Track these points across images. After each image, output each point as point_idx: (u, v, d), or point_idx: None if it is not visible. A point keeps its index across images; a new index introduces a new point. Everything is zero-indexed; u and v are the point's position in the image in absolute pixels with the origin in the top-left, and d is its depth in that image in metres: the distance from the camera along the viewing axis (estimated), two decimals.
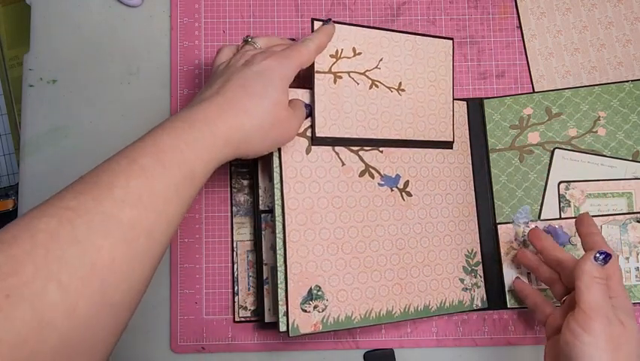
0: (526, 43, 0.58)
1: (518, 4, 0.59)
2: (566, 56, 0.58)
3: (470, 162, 0.56)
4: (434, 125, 0.53)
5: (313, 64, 0.48)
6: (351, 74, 0.50)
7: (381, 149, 0.52)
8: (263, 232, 0.52)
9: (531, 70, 0.58)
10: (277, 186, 0.48)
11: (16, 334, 0.26)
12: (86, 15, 0.58)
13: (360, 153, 0.51)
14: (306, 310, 0.47)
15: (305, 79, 0.52)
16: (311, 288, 0.47)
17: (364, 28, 0.51)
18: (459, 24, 0.59)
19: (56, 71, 0.57)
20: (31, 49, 0.57)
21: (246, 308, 0.53)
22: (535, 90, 0.57)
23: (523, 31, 0.58)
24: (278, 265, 0.47)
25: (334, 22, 0.49)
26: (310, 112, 0.49)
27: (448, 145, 0.54)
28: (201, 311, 0.54)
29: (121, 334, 0.32)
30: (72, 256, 0.29)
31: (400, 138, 0.52)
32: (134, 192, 0.32)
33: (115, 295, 0.30)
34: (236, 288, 0.54)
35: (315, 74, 0.49)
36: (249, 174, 0.55)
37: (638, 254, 0.53)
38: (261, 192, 0.52)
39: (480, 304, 0.53)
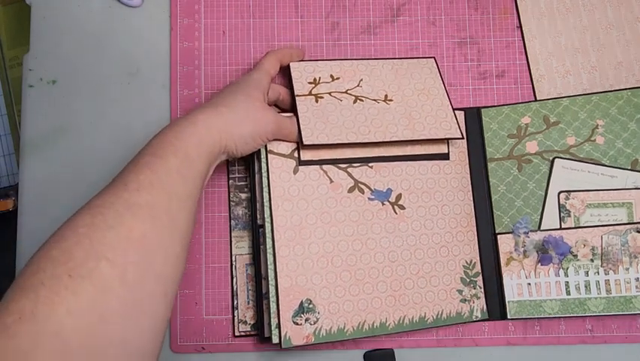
0: (526, 43, 0.58)
1: (518, 5, 0.59)
2: (566, 57, 0.58)
3: (468, 171, 0.55)
4: (434, 125, 0.53)
5: (293, 93, 0.51)
6: (332, 93, 0.52)
7: (371, 164, 0.52)
8: (261, 246, 0.51)
9: (531, 70, 0.58)
10: (266, 204, 0.49)
11: (84, 302, 0.32)
12: (86, 15, 0.58)
13: (349, 169, 0.51)
14: (297, 323, 0.48)
15: (289, 107, 0.53)
16: (302, 301, 0.48)
17: (339, 61, 0.54)
18: (459, 24, 0.59)
19: (56, 71, 0.57)
20: (31, 49, 0.57)
21: (245, 323, 0.53)
22: (536, 91, 0.57)
23: (524, 32, 0.58)
24: (269, 279, 0.48)
25: (309, 60, 0.55)
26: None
27: (445, 154, 0.54)
28: (201, 311, 0.54)
29: (171, 304, 0.38)
30: (111, 238, 0.35)
31: (397, 138, 0.52)
32: (144, 182, 0.38)
33: (154, 264, 0.37)
34: (235, 302, 0.53)
35: (297, 97, 0.51)
36: (247, 187, 0.55)
37: (638, 265, 0.53)
38: (258, 205, 0.52)
39: (480, 315, 0.53)
